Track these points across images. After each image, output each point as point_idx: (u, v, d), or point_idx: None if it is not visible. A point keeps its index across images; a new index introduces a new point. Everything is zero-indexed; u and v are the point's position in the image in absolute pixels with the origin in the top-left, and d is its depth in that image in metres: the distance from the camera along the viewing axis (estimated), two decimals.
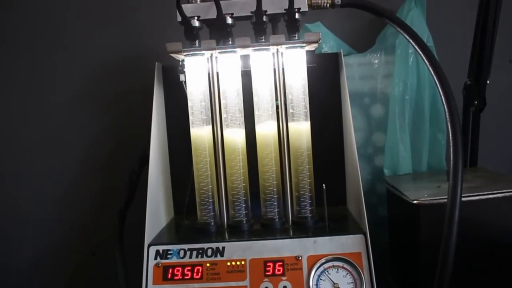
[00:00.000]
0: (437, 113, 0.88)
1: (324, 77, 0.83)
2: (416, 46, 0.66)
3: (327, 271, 0.65)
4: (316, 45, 0.74)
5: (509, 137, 0.99)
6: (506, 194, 0.69)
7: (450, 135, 0.59)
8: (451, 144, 0.59)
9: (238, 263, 0.67)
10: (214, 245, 0.68)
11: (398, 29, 0.68)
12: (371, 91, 0.90)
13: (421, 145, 0.89)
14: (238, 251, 0.67)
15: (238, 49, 0.72)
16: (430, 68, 0.64)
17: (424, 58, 0.65)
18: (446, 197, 0.65)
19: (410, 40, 0.67)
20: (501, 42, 0.86)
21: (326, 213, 0.71)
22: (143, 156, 0.83)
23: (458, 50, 0.90)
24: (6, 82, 1.04)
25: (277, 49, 0.73)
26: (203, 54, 0.73)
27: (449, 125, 0.60)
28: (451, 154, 0.59)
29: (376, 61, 0.90)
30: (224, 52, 0.73)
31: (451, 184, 0.58)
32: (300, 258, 0.66)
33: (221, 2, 0.70)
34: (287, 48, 0.72)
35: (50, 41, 1.02)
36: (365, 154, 0.91)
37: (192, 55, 0.73)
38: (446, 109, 0.60)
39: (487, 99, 0.86)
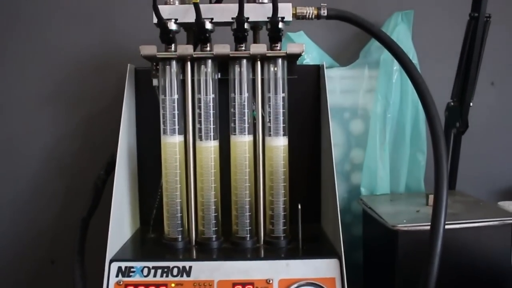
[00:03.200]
0: (418, 133, 0.86)
1: (304, 89, 0.81)
2: (403, 66, 0.64)
3: None
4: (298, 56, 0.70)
5: (487, 160, 0.98)
6: (487, 223, 0.67)
7: (436, 162, 0.57)
8: (436, 171, 0.57)
9: (205, 284, 0.63)
10: (180, 264, 0.64)
11: (385, 46, 0.66)
12: (352, 106, 0.87)
13: (400, 165, 0.86)
14: (205, 271, 0.63)
15: (216, 56, 0.68)
16: (417, 90, 0.62)
17: (411, 78, 0.63)
18: (426, 224, 0.64)
19: (397, 59, 0.65)
20: (484, 64, 0.84)
21: (300, 234, 0.68)
22: (110, 162, 0.79)
23: (442, 70, 0.88)
24: None
25: (258, 59, 0.69)
26: (179, 59, 0.69)
27: (435, 150, 0.57)
28: (436, 184, 0.56)
29: (359, 75, 0.86)
30: (201, 58, 0.69)
31: (434, 216, 0.56)
32: (271, 281, 0.63)
33: (200, 6, 0.66)
34: (268, 58, 0.69)
35: (16, 32, 0.96)
36: (342, 171, 0.88)
37: (167, 59, 0.69)
38: (432, 135, 0.58)
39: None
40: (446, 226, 0.62)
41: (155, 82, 0.74)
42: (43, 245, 0.98)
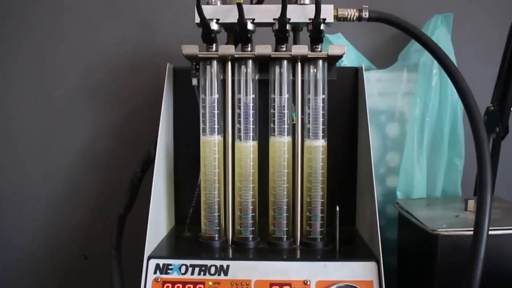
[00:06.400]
0: (456, 137, 0.85)
1: (342, 92, 0.80)
2: (446, 69, 0.63)
3: None
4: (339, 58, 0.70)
5: None
6: None
7: (479, 168, 0.57)
8: (479, 177, 0.56)
9: (242, 283, 0.63)
10: (218, 262, 0.64)
11: (427, 49, 0.66)
12: (389, 109, 0.86)
13: (437, 169, 0.85)
14: (243, 270, 0.64)
15: (257, 57, 0.69)
16: (460, 94, 0.62)
17: (454, 82, 0.62)
18: (466, 229, 0.64)
19: (439, 62, 0.64)
20: None
21: (337, 236, 0.68)
22: (146, 160, 0.79)
23: (482, 73, 0.87)
24: (5, 75, 0.98)
25: (299, 60, 0.69)
26: (220, 59, 0.70)
27: (479, 155, 0.57)
28: (479, 189, 0.56)
29: (397, 78, 0.86)
30: (242, 58, 0.69)
31: (477, 221, 0.55)
32: (308, 283, 0.63)
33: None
34: (309, 59, 0.69)
35: (54, 31, 0.98)
36: (377, 174, 0.87)
37: (208, 59, 0.69)
38: (476, 140, 0.57)
39: None
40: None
41: (194, 81, 0.74)
42: (77, 241, 0.99)
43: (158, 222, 0.73)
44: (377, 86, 0.86)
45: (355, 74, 0.80)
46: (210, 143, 0.70)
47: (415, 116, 0.84)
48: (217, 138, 0.70)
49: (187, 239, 0.75)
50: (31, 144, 0.99)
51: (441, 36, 0.83)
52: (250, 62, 0.69)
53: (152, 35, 0.96)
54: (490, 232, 0.63)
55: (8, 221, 1.00)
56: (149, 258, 0.65)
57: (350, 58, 0.86)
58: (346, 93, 0.80)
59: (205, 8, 0.68)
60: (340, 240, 0.68)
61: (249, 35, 0.69)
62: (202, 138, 0.70)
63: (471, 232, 0.56)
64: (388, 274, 0.80)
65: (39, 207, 0.99)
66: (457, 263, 0.60)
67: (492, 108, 0.83)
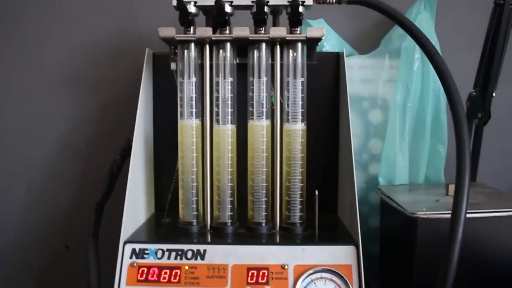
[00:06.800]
0: (439, 123, 0.84)
1: (323, 77, 0.79)
2: (426, 52, 0.63)
3: (314, 283, 0.61)
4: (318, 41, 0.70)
5: (509, 152, 0.96)
6: (508, 213, 0.66)
7: (458, 149, 0.56)
8: (458, 158, 0.55)
9: (219, 268, 0.62)
10: (195, 247, 0.64)
11: (408, 32, 0.65)
12: (371, 95, 0.85)
13: (420, 156, 0.84)
14: (220, 255, 0.63)
15: (235, 40, 0.68)
16: (440, 76, 0.61)
17: (433, 64, 0.62)
18: (445, 212, 0.64)
19: (419, 45, 0.64)
20: (508, 53, 0.82)
21: (317, 220, 0.67)
22: (126, 147, 0.78)
23: (465, 59, 0.86)
24: None
25: (277, 43, 0.68)
26: (198, 42, 0.69)
27: (457, 136, 0.56)
28: (457, 170, 0.55)
29: (379, 64, 0.85)
30: (220, 41, 0.68)
31: (456, 202, 0.54)
32: (286, 267, 0.62)
33: None
34: (288, 42, 0.68)
35: (33, 20, 0.96)
36: (360, 161, 0.86)
37: (185, 42, 0.68)
38: (455, 122, 0.56)
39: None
40: (467, 215, 0.60)
41: (173, 66, 0.73)
42: (57, 231, 0.98)
43: (136, 208, 0.73)
44: (360, 72, 0.85)
45: (337, 59, 0.79)
46: (188, 127, 0.69)
47: (397, 101, 0.83)
48: (194, 122, 0.69)
49: (165, 225, 0.74)
50: (10, 132, 0.97)
51: (424, 21, 0.83)
52: (228, 45, 0.68)
53: (133, 22, 0.95)
54: (472, 215, 0.63)
55: None
56: (125, 243, 0.65)
57: (332, 43, 0.85)
58: (327, 79, 0.80)
59: None
60: (320, 226, 0.68)
61: (227, 17, 0.68)
62: (179, 122, 0.69)
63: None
64: (371, 261, 0.81)
65: (19, 198, 0.98)
66: (437, 247, 0.61)
67: (474, 93, 0.83)
